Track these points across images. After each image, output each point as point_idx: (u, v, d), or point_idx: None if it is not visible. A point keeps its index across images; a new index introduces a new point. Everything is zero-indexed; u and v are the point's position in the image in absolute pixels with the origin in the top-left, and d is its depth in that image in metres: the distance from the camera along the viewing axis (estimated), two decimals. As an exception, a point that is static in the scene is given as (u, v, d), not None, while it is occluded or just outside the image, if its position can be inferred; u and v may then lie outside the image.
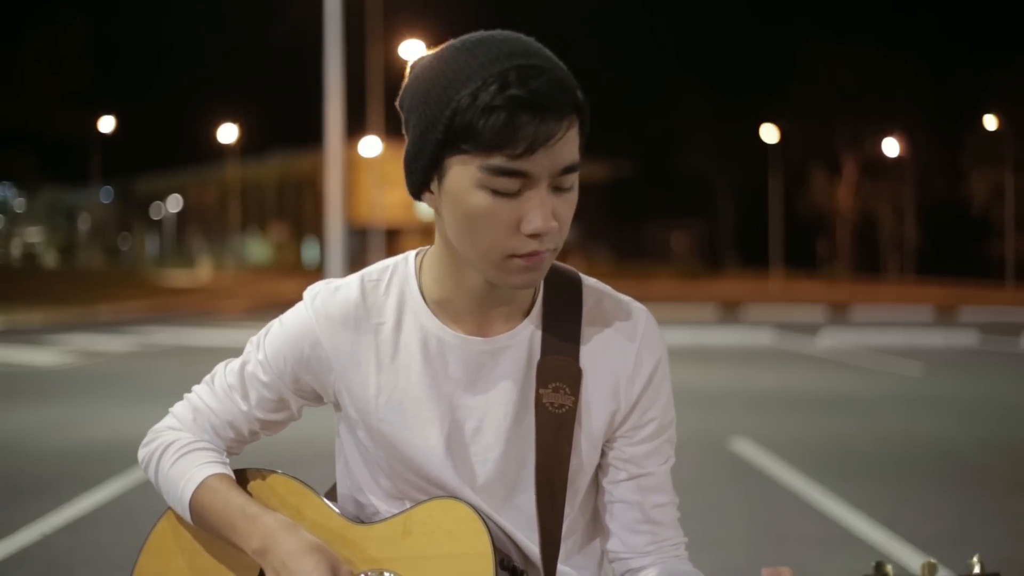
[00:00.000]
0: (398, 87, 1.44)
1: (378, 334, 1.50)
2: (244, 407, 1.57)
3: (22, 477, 6.41)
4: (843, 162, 58.93)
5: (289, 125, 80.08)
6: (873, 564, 1.26)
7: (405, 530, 1.47)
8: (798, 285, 47.29)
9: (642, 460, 1.53)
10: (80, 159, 56.64)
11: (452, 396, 1.49)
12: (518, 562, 1.53)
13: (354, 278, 1.53)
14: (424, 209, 1.54)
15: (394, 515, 1.50)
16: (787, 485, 6.33)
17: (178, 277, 49.29)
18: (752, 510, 5.71)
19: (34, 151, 50.99)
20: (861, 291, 43.01)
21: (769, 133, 52.82)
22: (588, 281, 1.55)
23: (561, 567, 1.54)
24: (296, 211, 65.57)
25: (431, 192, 1.40)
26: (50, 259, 58.19)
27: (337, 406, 1.56)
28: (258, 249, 67.56)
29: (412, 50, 28.67)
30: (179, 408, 1.62)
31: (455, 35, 1.40)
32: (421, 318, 1.49)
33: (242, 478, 1.56)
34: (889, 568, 1.25)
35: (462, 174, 1.34)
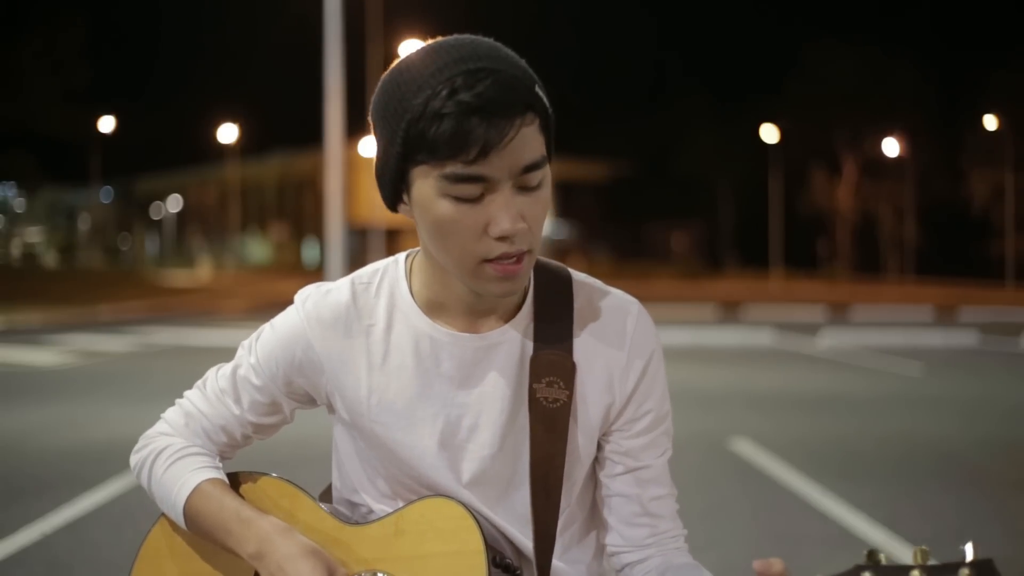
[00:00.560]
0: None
1: (369, 336, 1.50)
2: (236, 411, 1.57)
3: (22, 477, 6.41)
4: (843, 162, 58.94)
5: (289, 125, 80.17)
6: (865, 552, 1.26)
7: (397, 530, 1.47)
8: (798, 285, 47.29)
9: (639, 453, 1.53)
10: (80, 159, 56.69)
11: (445, 394, 1.49)
12: (512, 558, 1.52)
13: (344, 281, 1.54)
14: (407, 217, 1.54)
15: (386, 515, 1.50)
16: (787, 485, 6.33)
17: (178, 277, 49.29)
18: (752, 510, 5.71)
19: (34, 151, 51.04)
20: (861, 291, 43.01)
21: (769, 133, 52.83)
22: (578, 276, 1.55)
23: (556, 562, 1.54)
24: (296, 211, 65.58)
25: (404, 203, 1.40)
26: (50, 259, 58.20)
27: (330, 408, 1.56)
28: (258, 249, 67.57)
29: (412, 50, 28.63)
30: (171, 413, 1.62)
31: (453, 35, 1.40)
32: (412, 318, 1.49)
33: (234, 482, 1.56)
34: (881, 556, 1.25)
35: (424, 185, 1.35)
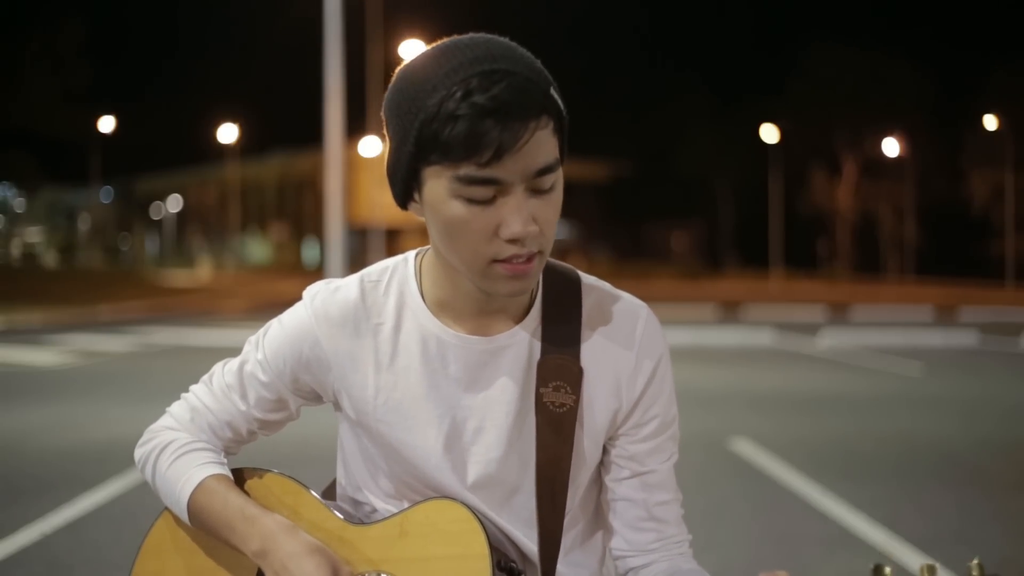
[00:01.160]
0: (397, 88, 1.43)
1: (377, 335, 1.50)
2: (243, 407, 1.56)
3: (22, 477, 6.41)
4: (843, 162, 58.93)
5: (289, 125, 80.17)
6: (871, 567, 1.25)
7: (402, 531, 1.47)
8: (798, 285, 47.28)
9: (645, 458, 1.52)
10: (80, 159, 56.65)
11: (452, 396, 1.48)
12: (516, 562, 1.52)
13: (354, 278, 1.53)
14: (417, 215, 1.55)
15: (391, 516, 1.49)
16: (787, 485, 6.33)
17: (178, 277, 49.28)
18: (752, 510, 5.71)
19: (34, 151, 51.02)
20: (861, 291, 43.01)
21: (769, 133, 52.83)
22: (587, 279, 1.54)
23: (559, 566, 1.53)
24: (296, 211, 65.59)
25: (415, 202, 1.39)
26: (50, 259, 58.17)
27: (337, 406, 1.55)
28: (258, 249, 67.56)
29: (412, 50, 28.67)
30: (176, 408, 1.61)
31: (455, 36, 1.39)
32: (420, 318, 1.49)
33: (239, 478, 1.55)
34: (887, 570, 1.24)
35: (436, 185, 1.34)
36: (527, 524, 1.51)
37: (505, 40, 1.37)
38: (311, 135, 29.57)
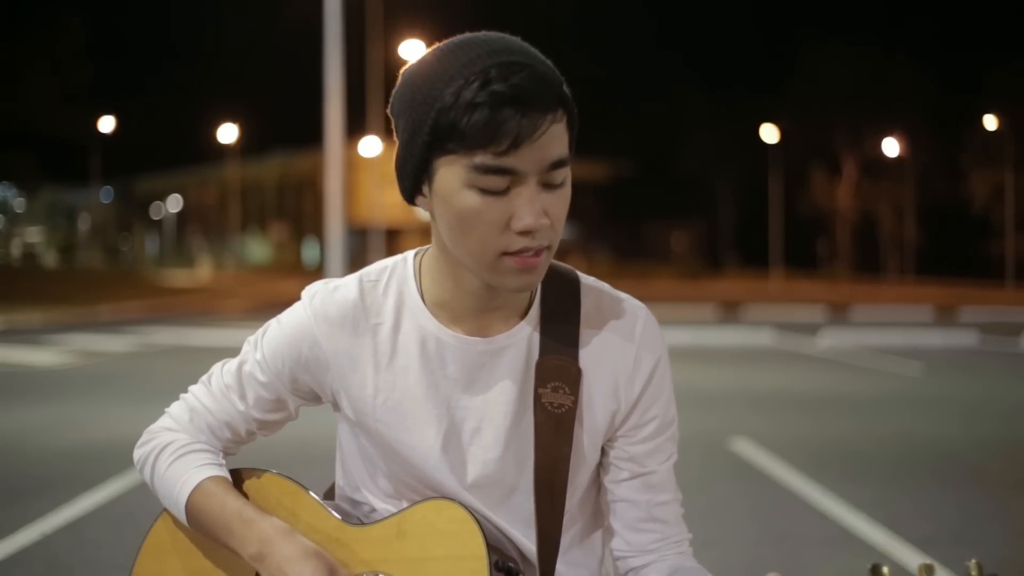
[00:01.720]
0: (397, 89, 1.44)
1: (376, 335, 1.50)
2: (241, 407, 1.56)
3: (22, 477, 6.41)
4: (843, 162, 58.93)
5: (289, 125, 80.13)
6: (869, 567, 1.25)
7: (399, 531, 1.47)
8: (798, 285, 47.27)
9: (644, 459, 1.52)
10: (80, 159, 56.67)
11: (450, 397, 1.48)
12: (515, 562, 1.52)
13: (352, 278, 1.53)
14: (423, 210, 1.55)
15: (389, 516, 1.49)
16: (787, 485, 6.33)
17: (178, 277, 49.28)
18: (752, 510, 5.70)
19: (34, 151, 51.02)
20: (861, 291, 43.00)
21: (769, 133, 52.82)
22: (586, 280, 1.54)
23: (557, 566, 1.53)
24: (296, 211, 65.58)
25: (423, 195, 1.39)
26: (50, 259, 58.17)
27: (335, 406, 1.55)
28: (258, 249, 67.55)
29: (412, 50, 28.68)
30: (175, 408, 1.61)
31: (455, 35, 1.40)
32: (419, 319, 1.48)
33: (237, 479, 1.55)
34: (885, 570, 1.24)
35: (450, 175, 1.34)
36: (526, 524, 1.51)
37: (519, 39, 1.38)
38: (311, 135, 29.58)
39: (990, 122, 49.43)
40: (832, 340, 18.95)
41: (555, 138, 1.33)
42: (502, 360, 1.48)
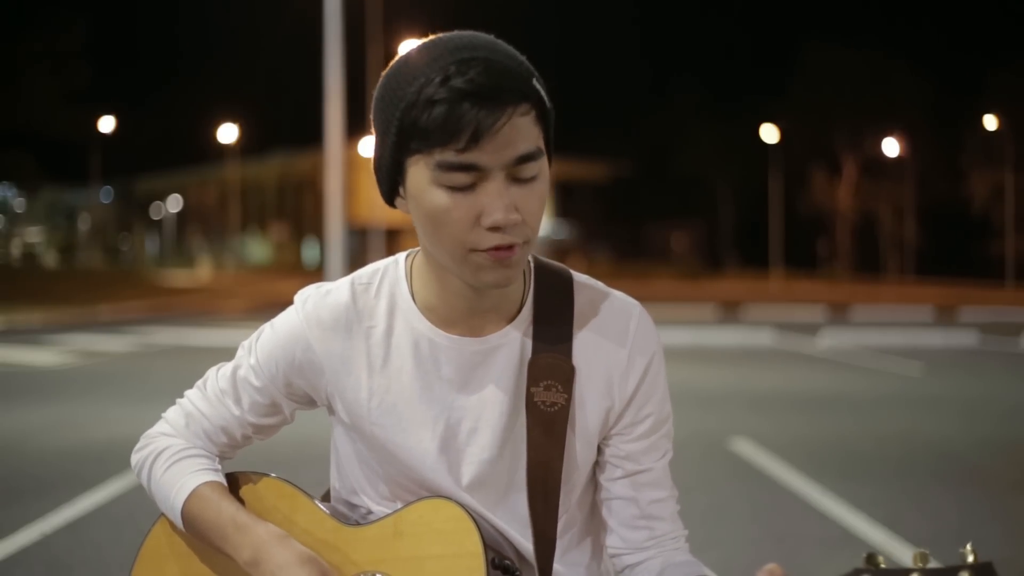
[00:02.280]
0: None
1: (369, 338, 1.49)
2: (237, 412, 1.56)
3: (22, 477, 6.41)
4: (843, 162, 58.93)
5: (289, 125, 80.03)
6: (864, 555, 1.25)
7: (396, 531, 1.47)
8: (798, 285, 47.27)
9: (640, 456, 1.52)
10: (80, 159, 56.66)
11: (445, 398, 1.48)
12: (513, 561, 1.52)
13: (344, 281, 1.53)
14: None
15: (385, 516, 1.49)
16: (787, 485, 6.33)
17: (178, 277, 49.27)
18: (752, 510, 5.70)
19: (34, 151, 50.95)
20: (861, 291, 43.00)
21: (769, 133, 52.82)
22: (579, 278, 1.54)
23: (555, 565, 1.53)
24: (296, 211, 65.57)
25: (401, 197, 1.40)
26: (50, 259, 58.14)
27: (330, 410, 1.55)
28: (258, 249, 67.54)
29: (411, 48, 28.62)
30: (172, 413, 1.61)
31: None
32: (412, 320, 1.48)
33: (233, 483, 1.56)
34: (881, 559, 1.24)
35: (418, 174, 1.34)
36: (523, 524, 1.51)
37: (489, 35, 1.38)
38: (311, 135, 29.58)
39: (990, 122, 49.44)
40: (832, 340, 18.95)
41: (520, 131, 1.32)
42: (495, 360, 1.47)
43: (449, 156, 1.30)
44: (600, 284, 1.55)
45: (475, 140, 1.29)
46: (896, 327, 22.40)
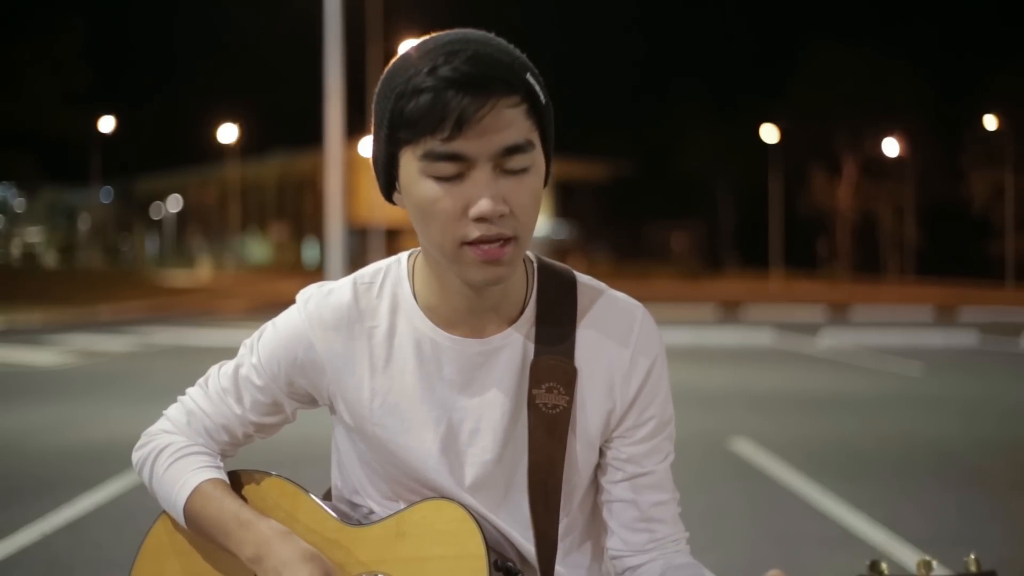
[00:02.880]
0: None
1: (371, 338, 1.49)
2: (238, 410, 1.56)
3: (22, 477, 6.41)
4: (843, 162, 58.92)
5: (289, 125, 79.91)
6: (868, 563, 1.25)
7: (399, 532, 1.47)
8: (798, 285, 47.27)
9: (641, 459, 1.52)
10: (80, 159, 56.65)
11: (447, 399, 1.48)
12: (515, 562, 1.52)
13: (347, 281, 1.53)
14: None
15: (388, 516, 1.49)
16: (787, 485, 6.33)
17: (178, 277, 49.26)
18: (752, 510, 5.70)
19: (34, 151, 50.92)
20: (861, 291, 42.99)
21: (769, 133, 52.82)
22: (583, 279, 1.53)
23: (557, 567, 1.53)
24: (296, 211, 65.56)
25: (398, 191, 1.40)
26: (50, 259, 58.13)
27: (332, 409, 1.55)
28: (258, 249, 67.54)
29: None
30: (173, 411, 1.61)
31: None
32: (414, 321, 1.48)
33: (235, 481, 1.55)
34: (884, 566, 1.24)
35: (408, 166, 1.35)
36: (524, 525, 1.51)
37: (485, 32, 1.38)
38: (311, 135, 29.58)
39: (990, 122, 49.43)
40: (832, 340, 18.95)
41: (508, 122, 1.32)
42: (498, 361, 1.47)
43: (435, 145, 1.31)
44: (603, 286, 1.54)
45: (459, 128, 1.29)
46: (896, 327, 22.40)
